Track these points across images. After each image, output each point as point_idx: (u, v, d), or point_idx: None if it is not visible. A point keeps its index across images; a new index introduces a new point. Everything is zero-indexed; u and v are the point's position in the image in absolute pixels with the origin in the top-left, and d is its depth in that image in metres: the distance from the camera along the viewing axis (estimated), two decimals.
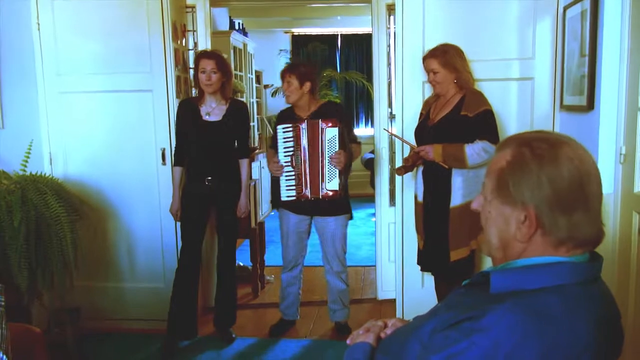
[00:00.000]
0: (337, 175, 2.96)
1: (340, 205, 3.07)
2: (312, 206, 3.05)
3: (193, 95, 3.30)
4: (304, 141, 2.97)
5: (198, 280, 3.13)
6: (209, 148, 2.99)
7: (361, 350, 1.19)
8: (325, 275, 3.24)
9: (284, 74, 3.04)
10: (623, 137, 2.33)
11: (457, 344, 0.91)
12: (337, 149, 2.93)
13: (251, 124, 6.31)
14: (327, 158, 2.95)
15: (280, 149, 3.02)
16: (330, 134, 2.93)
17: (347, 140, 3.03)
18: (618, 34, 2.33)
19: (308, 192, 2.99)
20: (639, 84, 2.23)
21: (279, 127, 3.03)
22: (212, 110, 2.99)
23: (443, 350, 0.92)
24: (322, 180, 2.96)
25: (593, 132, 2.44)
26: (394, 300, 3.48)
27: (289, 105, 3.14)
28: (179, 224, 3.13)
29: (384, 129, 2.97)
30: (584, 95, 2.54)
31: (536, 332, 0.89)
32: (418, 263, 2.93)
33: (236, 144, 3.11)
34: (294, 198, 3.03)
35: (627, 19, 2.28)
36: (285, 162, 3.02)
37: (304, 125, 2.97)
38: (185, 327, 3.09)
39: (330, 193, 2.97)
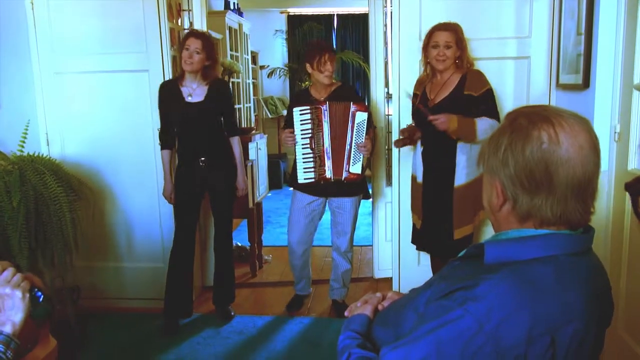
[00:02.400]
0: (361, 159, 2.95)
1: (357, 185, 3.05)
2: (328, 187, 3.02)
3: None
4: (326, 122, 2.92)
5: (193, 261, 3.16)
6: (195, 129, 2.97)
7: (358, 321, 1.22)
8: (332, 252, 3.26)
9: (330, 54, 2.94)
10: (618, 115, 2.36)
11: (451, 312, 0.93)
12: (364, 134, 2.90)
13: (237, 104, 6.29)
14: (354, 142, 2.91)
15: (298, 131, 2.95)
16: (360, 118, 2.89)
17: (373, 125, 3.02)
18: (614, 12, 2.33)
19: (330, 174, 2.96)
20: (634, 63, 2.25)
21: (296, 109, 2.95)
22: (194, 91, 2.95)
23: (437, 318, 0.94)
24: (348, 163, 2.94)
25: (588, 111, 2.46)
26: (391, 278, 3.53)
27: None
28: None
29: (418, 105, 2.82)
30: (579, 74, 2.55)
31: (529, 301, 0.92)
32: (413, 242, 2.96)
33: (223, 122, 3.09)
34: (312, 180, 2.98)
35: None
36: (304, 144, 2.96)
37: (325, 107, 2.91)
38: (181, 307, 3.13)
39: (353, 176, 2.96)
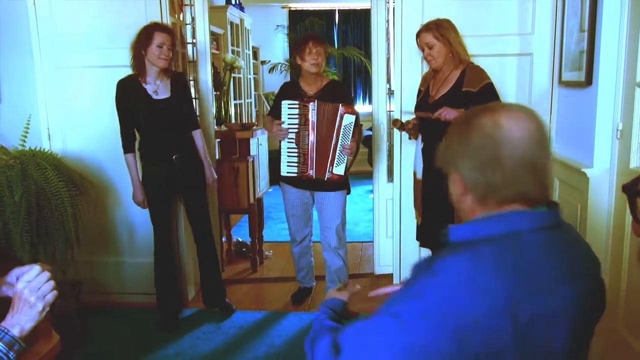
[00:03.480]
0: (345, 161, 2.96)
1: (340, 182, 3.07)
2: (312, 182, 3.06)
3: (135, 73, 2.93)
4: (313, 121, 2.92)
5: (176, 257, 3.15)
6: (166, 127, 2.90)
7: (334, 302, 1.28)
8: (323, 252, 3.24)
9: (316, 44, 2.93)
10: (620, 113, 2.35)
11: (411, 288, 0.95)
12: (350, 136, 2.91)
13: (238, 100, 6.28)
14: (340, 144, 2.91)
15: (285, 125, 2.97)
16: (348, 120, 2.89)
17: (359, 124, 3.03)
18: (618, 9, 2.32)
19: (312, 173, 2.97)
20: (637, 60, 2.24)
21: (285, 102, 2.96)
22: (158, 88, 2.86)
23: (400, 294, 0.97)
24: (332, 164, 2.95)
25: (591, 108, 2.46)
26: (391, 274, 3.54)
27: (280, 85, 3.17)
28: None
29: (418, 114, 2.86)
30: (582, 71, 2.54)
31: (489, 277, 0.92)
32: (418, 239, 2.97)
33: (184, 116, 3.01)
34: (294, 175, 3.02)
35: None
36: (289, 139, 2.97)
37: (313, 106, 2.91)
38: (173, 302, 3.13)
39: (336, 177, 2.97)
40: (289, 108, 2.96)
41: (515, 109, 1.01)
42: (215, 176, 3.19)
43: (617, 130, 2.36)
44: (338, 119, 2.89)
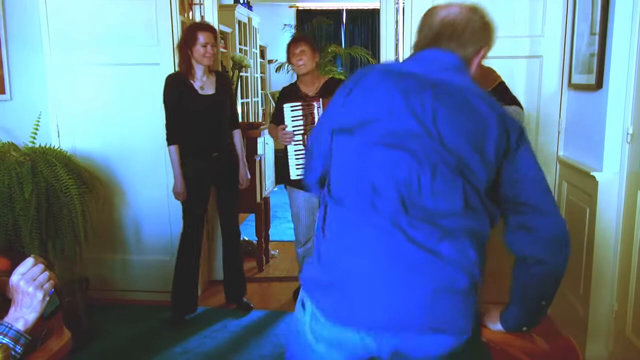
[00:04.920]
0: None
1: None
2: None
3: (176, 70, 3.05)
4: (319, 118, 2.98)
5: (200, 256, 3.16)
6: (210, 122, 2.97)
7: None
8: None
9: (295, 44, 3.01)
10: (631, 116, 2.34)
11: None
12: None
13: (245, 98, 6.29)
14: None
15: (289, 128, 2.98)
16: None
17: None
18: (629, 12, 2.31)
19: None
20: None
21: (287, 105, 2.98)
22: (204, 84, 2.95)
23: None
24: None
25: (601, 111, 2.45)
26: None
27: (286, 84, 3.21)
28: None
29: None
30: (592, 74, 2.54)
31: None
32: None
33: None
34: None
35: None
36: (296, 141, 2.98)
37: (318, 104, 2.94)
38: (189, 302, 3.15)
39: None
40: (291, 110, 2.97)
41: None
42: (249, 176, 3.23)
43: (628, 134, 2.35)
44: None
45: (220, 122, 3.01)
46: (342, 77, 7.49)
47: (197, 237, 3.08)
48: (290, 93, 3.12)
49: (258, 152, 4.07)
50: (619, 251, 2.42)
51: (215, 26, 3.48)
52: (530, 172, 1.27)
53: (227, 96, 3.03)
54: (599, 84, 2.48)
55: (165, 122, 2.95)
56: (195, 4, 3.47)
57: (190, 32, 2.87)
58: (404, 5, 3.18)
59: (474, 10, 1.37)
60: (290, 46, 3.04)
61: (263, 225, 4.02)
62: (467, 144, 1.22)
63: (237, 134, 3.14)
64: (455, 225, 1.23)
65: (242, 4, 6.04)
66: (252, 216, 4.62)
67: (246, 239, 4.35)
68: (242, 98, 5.85)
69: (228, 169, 3.10)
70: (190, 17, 3.47)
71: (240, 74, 4.67)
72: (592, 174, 2.44)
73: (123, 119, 3.23)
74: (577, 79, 2.76)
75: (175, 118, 2.93)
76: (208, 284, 3.61)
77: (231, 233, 3.21)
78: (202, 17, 3.49)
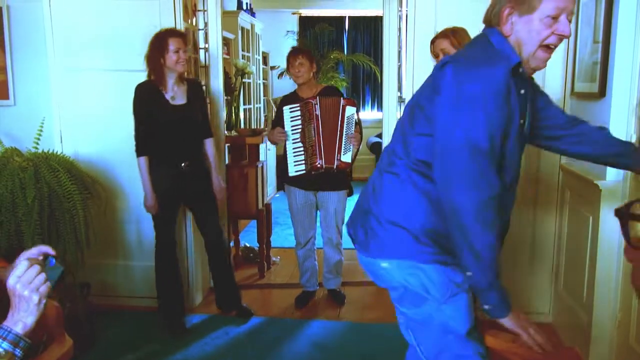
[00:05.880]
0: (351, 150, 3.16)
1: (342, 181, 3.29)
2: (317, 181, 3.21)
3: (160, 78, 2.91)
4: (317, 114, 3.10)
5: (178, 266, 3.13)
6: (182, 133, 2.91)
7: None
8: (324, 246, 3.42)
9: (295, 56, 3.20)
10: (634, 125, 2.34)
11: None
12: (353, 126, 3.15)
13: (247, 105, 6.29)
14: (345, 133, 3.12)
15: (288, 128, 3.16)
16: (350, 111, 3.14)
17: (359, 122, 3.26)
18: (633, 20, 2.32)
19: (322, 162, 3.12)
20: None
21: (286, 107, 3.17)
22: (176, 93, 2.89)
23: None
24: (339, 152, 3.13)
25: (604, 120, 2.45)
26: None
27: (287, 92, 3.37)
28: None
29: None
30: (595, 82, 2.53)
31: None
32: None
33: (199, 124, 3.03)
34: (303, 172, 3.16)
35: None
36: (294, 139, 3.15)
37: (315, 102, 3.11)
38: (179, 307, 3.12)
39: (344, 165, 3.15)
40: (290, 112, 3.17)
41: None
42: (224, 185, 3.22)
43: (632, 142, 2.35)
44: (340, 110, 3.12)
45: (191, 132, 2.97)
46: (344, 83, 7.54)
47: (169, 244, 3.04)
48: (289, 98, 3.29)
49: (260, 158, 4.08)
50: (622, 260, 2.41)
51: (219, 32, 3.50)
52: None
53: (199, 105, 3.00)
54: (602, 92, 2.48)
55: (134, 132, 2.88)
56: (199, 10, 3.48)
57: (161, 39, 2.81)
58: (407, 13, 3.19)
59: None
60: (290, 57, 3.22)
61: (264, 232, 4.02)
62: None
63: (209, 143, 3.09)
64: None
65: (245, 11, 6.07)
66: (253, 222, 4.61)
67: (247, 245, 4.35)
68: (244, 104, 5.86)
69: (200, 180, 3.04)
70: (194, 24, 3.47)
71: (243, 80, 4.68)
72: (595, 182, 2.44)
73: (126, 124, 3.21)
74: (580, 87, 2.76)
75: (145, 129, 2.87)
76: (209, 291, 3.60)
77: (215, 243, 3.14)
78: (205, 23, 3.51)
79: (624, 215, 0.96)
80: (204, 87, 3.23)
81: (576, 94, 2.82)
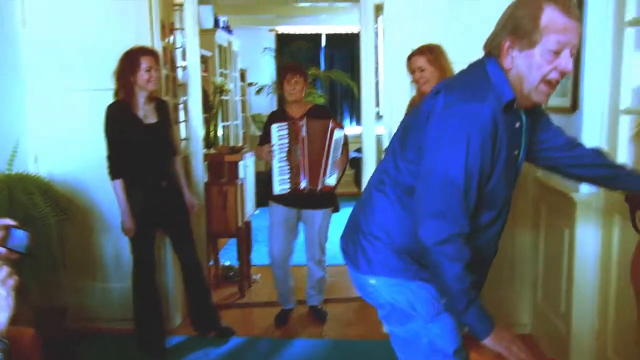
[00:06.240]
0: (336, 173, 3.17)
1: (328, 199, 3.27)
2: (302, 199, 3.20)
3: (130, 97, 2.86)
4: (304, 136, 3.10)
5: (159, 289, 3.09)
6: (156, 152, 2.90)
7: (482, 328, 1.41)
8: (307, 262, 3.40)
9: (293, 74, 3.17)
10: (606, 138, 2.40)
11: None
12: (340, 150, 3.14)
13: (225, 122, 6.29)
14: (331, 157, 3.12)
15: (276, 146, 3.13)
16: (337, 134, 3.14)
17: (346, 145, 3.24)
18: (602, 35, 2.38)
19: (305, 183, 3.11)
20: (620, 87, 2.30)
21: (274, 126, 3.13)
22: (147, 112, 2.86)
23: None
24: (323, 174, 3.12)
25: (577, 133, 2.51)
26: None
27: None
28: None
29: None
30: (567, 97, 2.60)
31: None
32: None
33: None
34: (287, 191, 3.14)
35: (611, 21, 2.34)
36: (281, 157, 3.13)
37: (302, 122, 3.10)
38: (160, 329, 3.07)
39: (328, 188, 3.16)
40: (278, 130, 3.13)
41: None
42: (197, 201, 3.21)
43: None
44: (329, 133, 3.11)
45: (165, 151, 2.97)
46: (322, 99, 7.58)
47: (150, 266, 2.99)
48: (278, 116, 3.28)
49: (239, 176, 4.06)
50: (598, 270, 2.46)
51: (197, 51, 3.49)
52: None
53: (167, 123, 2.99)
54: (574, 106, 2.54)
55: (107, 155, 2.82)
56: (176, 29, 3.48)
57: (132, 58, 2.77)
58: (383, 30, 3.24)
59: None
60: (287, 74, 3.19)
61: (244, 250, 3.98)
62: None
63: (177, 161, 3.09)
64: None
65: (222, 28, 6.08)
66: (233, 240, 4.57)
67: (227, 264, 4.30)
68: (222, 121, 5.84)
69: (176, 198, 3.03)
70: (171, 42, 3.47)
71: (221, 97, 4.69)
72: (570, 195, 2.49)
73: (101, 144, 3.15)
74: (553, 101, 2.81)
75: (119, 150, 2.81)
76: (188, 312, 3.54)
77: (191, 263, 3.10)
78: (182, 42, 3.50)
79: (633, 203, 0.97)
80: (169, 105, 3.20)
81: (549, 108, 2.88)
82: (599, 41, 2.39)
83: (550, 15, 1.33)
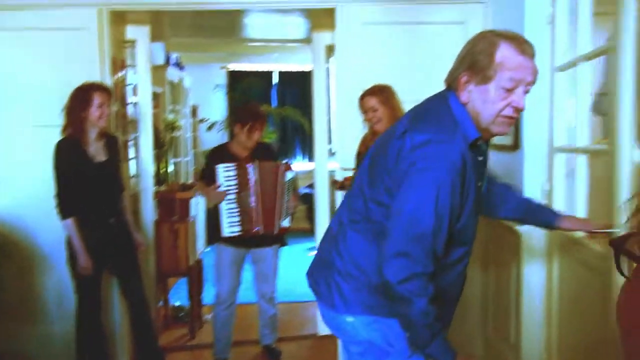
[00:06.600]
0: (289, 214, 3.17)
1: (277, 236, 3.23)
2: (251, 239, 3.14)
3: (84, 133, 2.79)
4: (256, 179, 3.03)
5: (106, 331, 3.00)
6: (106, 190, 2.84)
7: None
8: (258, 301, 3.35)
9: (258, 121, 3.06)
10: (546, 174, 2.53)
11: None
12: (291, 191, 3.14)
13: (176, 158, 6.22)
14: (285, 199, 3.10)
15: (223, 188, 3.03)
16: (288, 176, 3.12)
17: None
18: (542, 73, 2.52)
19: (260, 229, 3.06)
20: (553, 127, 2.45)
21: (220, 166, 3.02)
22: (97, 149, 2.80)
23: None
24: (279, 219, 3.10)
25: (519, 170, 2.63)
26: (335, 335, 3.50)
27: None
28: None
29: (342, 168, 3.18)
30: (510, 135, 2.73)
31: None
32: None
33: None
34: (238, 233, 3.06)
35: (548, 60, 2.47)
36: (229, 199, 3.03)
37: (252, 166, 3.03)
38: None
39: (283, 230, 3.15)
40: (225, 171, 3.03)
41: None
42: (143, 239, 3.15)
43: (544, 190, 2.53)
44: (280, 176, 3.08)
45: (114, 188, 2.91)
46: (274, 136, 7.63)
47: (96, 309, 2.89)
48: (221, 154, 3.18)
49: (190, 214, 3.99)
50: (544, 302, 2.54)
51: (149, 87, 3.47)
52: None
53: (117, 160, 2.95)
54: (515, 144, 2.67)
55: (57, 193, 2.73)
56: (128, 65, 3.45)
57: (84, 93, 2.72)
58: (335, 69, 3.32)
59: None
60: (257, 122, 3.06)
61: (195, 289, 3.89)
62: None
63: (124, 198, 3.04)
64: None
65: (173, 65, 6.07)
66: (183, 280, 4.45)
67: (177, 304, 4.18)
68: (173, 157, 5.77)
69: (124, 236, 2.97)
70: (122, 79, 3.43)
71: (172, 134, 4.65)
72: (514, 228, 2.59)
73: (42, 182, 3.00)
74: (496, 139, 2.95)
75: (70, 188, 2.73)
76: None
77: (138, 302, 3.01)
78: (134, 78, 3.47)
79: (618, 247, 1.00)
80: (119, 141, 3.14)
81: (493, 145, 3.00)
82: (538, 79, 2.53)
83: (504, 53, 1.36)
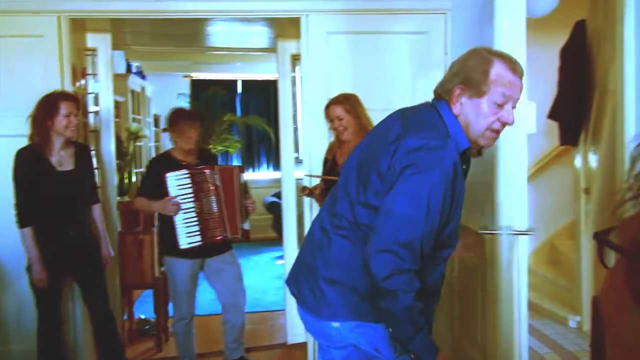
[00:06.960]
0: (248, 217, 3.13)
1: (225, 242, 3.07)
2: (207, 248, 2.98)
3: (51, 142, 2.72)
4: (218, 184, 2.96)
5: (66, 346, 2.92)
6: (68, 201, 2.76)
7: None
8: (226, 314, 3.15)
9: (191, 123, 2.96)
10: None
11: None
12: (247, 193, 3.12)
13: (139, 168, 6.13)
14: (243, 201, 3.06)
15: (177, 198, 2.88)
16: (243, 178, 3.10)
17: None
18: None
19: (227, 233, 2.99)
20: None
21: (170, 175, 2.87)
22: (62, 158, 2.74)
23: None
24: (241, 221, 3.05)
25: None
26: (305, 343, 3.49)
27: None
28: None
29: (307, 175, 3.12)
30: None
31: None
32: None
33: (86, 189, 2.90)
34: (198, 243, 2.92)
35: None
36: (186, 209, 2.89)
37: (210, 172, 2.94)
38: None
39: (247, 232, 3.10)
40: (177, 179, 2.88)
41: None
42: (112, 253, 3.05)
43: None
44: (236, 178, 3.03)
45: (79, 199, 2.83)
46: (238, 145, 7.59)
47: (57, 325, 2.80)
48: (166, 161, 3.01)
49: (155, 224, 3.92)
50: (511, 301, 2.60)
51: (111, 96, 3.41)
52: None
53: (86, 170, 2.88)
54: (479, 152, 2.74)
55: (15, 202, 2.67)
56: (88, 74, 3.38)
57: (51, 102, 2.66)
58: (300, 77, 3.34)
59: None
60: (182, 123, 2.95)
61: (161, 301, 3.81)
62: None
63: (97, 209, 2.95)
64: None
65: (135, 74, 5.98)
66: (148, 292, 4.36)
67: (142, 317, 4.08)
68: (136, 167, 5.66)
69: (88, 248, 2.88)
70: (83, 88, 3.36)
71: (136, 143, 4.56)
72: (479, 231, 2.64)
73: (3, 197, 2.93)
74: None
75: (28, 197, 2.67)
76: None
77: (104, 317, 2.93)
78: (95, 87, 3.40)
79: (601, 239, 1.03)
80: (92, 152, 3.07)
81: None
82: None
83: (498, 70, 1.45)
